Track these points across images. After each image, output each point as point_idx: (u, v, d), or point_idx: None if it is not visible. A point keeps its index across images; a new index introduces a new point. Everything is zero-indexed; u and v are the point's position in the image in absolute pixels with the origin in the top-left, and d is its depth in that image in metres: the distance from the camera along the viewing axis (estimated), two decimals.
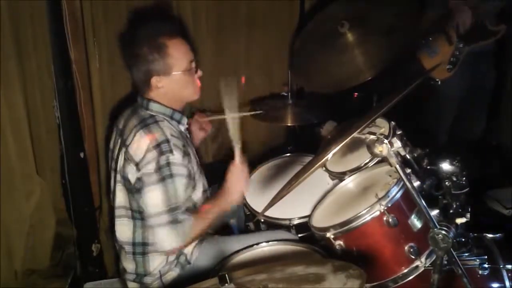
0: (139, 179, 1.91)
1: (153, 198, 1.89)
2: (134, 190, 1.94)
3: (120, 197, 2.03)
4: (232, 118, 1.96)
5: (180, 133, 2.03)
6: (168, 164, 1.89)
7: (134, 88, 2.11)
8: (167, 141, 1.90)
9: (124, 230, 2.05)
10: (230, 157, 1.99)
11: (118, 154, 2.02)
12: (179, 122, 2.07)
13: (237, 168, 1.99)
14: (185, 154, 1.97)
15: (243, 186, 2.01)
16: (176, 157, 1.91)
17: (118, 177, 2.01)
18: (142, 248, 2.03)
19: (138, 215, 2.00)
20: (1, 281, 2.26)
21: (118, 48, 2.37)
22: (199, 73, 2.07)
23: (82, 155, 2.55)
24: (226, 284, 1.40)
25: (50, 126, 2.42)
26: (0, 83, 2.10)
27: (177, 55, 1.98)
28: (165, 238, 1.90)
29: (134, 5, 2.48)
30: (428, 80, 2.89)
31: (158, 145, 1.89)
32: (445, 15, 2.80)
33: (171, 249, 1.93)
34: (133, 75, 2.01)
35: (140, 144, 1.90)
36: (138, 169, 1.90)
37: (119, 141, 2.05)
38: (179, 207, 1.91)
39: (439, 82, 2.88)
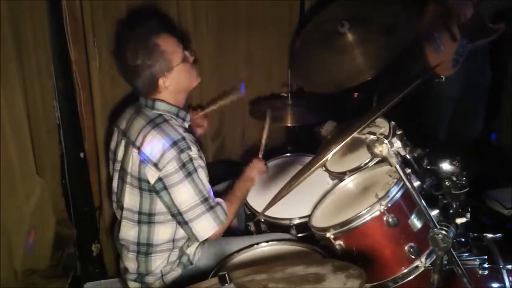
0: (160, 179, 1.92)
1: (184, 194, 1.93)
2: (153, 190, 1.95)
3: (130, 199, 2.03)
4: (267, 129, 2.46)
5: (186, 129, 2.04)
6: (191, 159, 1.94)
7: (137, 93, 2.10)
8: (183, 138, 1.94)
9: (129, 229, 2.06)
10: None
11: (126, 155, 2.02)
12: (183, 119, 2.09)
13: (259, 162, 2.34)
14: (198, 147, 2.01)
15: (262, 172, 2.35)
16: (194, 151, 1.96)
17: (129, 178, 2.01)
18: (146, 248, 2.04)
19: (146, 218, 2.02)
20: (1, 281, 2.26)
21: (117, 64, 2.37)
22: (192, 58, 2.11)
23: (82, 155, 2.55)
24: (226, 284, 1.40)
25: (50, 126, 2.42)
26: (0, 83, 2.10)
27: (171, 48, 2.00)
28: (206, 225, 1.97)
29: (134, 5, 2.48)
30: (433, 77, 2.88)
31: (175, 143, 1.91)
32: (447, 10, 2.80)
33: (214, 233, 1.99)
34: (138, 85, 2.00)
35: (155, 144, 1.92)
36: (158, 169, 1.91)
37: (124, 142, 2.05)
38: (209, 196, 1.98)
39: (443, 79, 2.88)
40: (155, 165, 1.91)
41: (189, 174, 1.93)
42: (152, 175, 1.93)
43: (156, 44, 1.96)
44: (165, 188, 1.93)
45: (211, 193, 2.01)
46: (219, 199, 2.05)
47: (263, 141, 2.43)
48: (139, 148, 1.95)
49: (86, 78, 2.47)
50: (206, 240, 2.11)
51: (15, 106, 2.19)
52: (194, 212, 1.94)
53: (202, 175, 1.98)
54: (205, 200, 1.96)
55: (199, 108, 2.61)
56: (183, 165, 1.91)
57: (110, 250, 2.68)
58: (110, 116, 2.54)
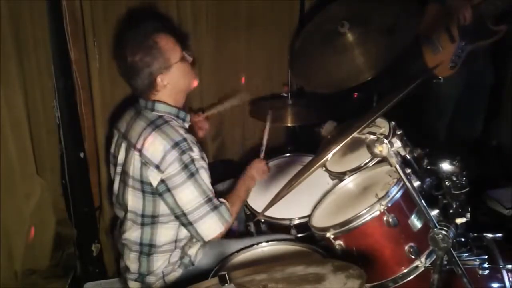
0: (163, 181, 1.92)
1: (188, 195, 1.93)
2: (156, 192, 1.95)
3: (133, 201, 2.02)
4: (268, 130, 2.49)
5: (187, 130, 2.04)
6: (193, 161, 1.94)
7: (136, 93, 2.10)
8: (185, 139, 1.93)
9: (133, 231, 2.06)
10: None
11: (128, 158, 2.01)
12: (184, 120, 2.09)
13: (261, 162, 2.36)
14: (200, 148, 2.01)
15: (264, 173, 2.37)
16: (196, 152, 1.96)
17: (131, 181, 2.00)
18: (148, 249, 2.04)
19: (149, 219, 2.01)
20: (1, 281, 2.26)
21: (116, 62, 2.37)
22: (191, 58, 2.11)
23: (82, 155, 2.55)
24: (226, 284, 1.40)
25: (50, 126, 2.42)
26: (0, 83, 2.10)
27: (169, 46, 2.00)
28: (211, 225, 1.97)
29: (134, 5, 2.48)
30: (431, 78, 2.89)
31: (176, 145, 1.91)
32: (446, 10, 2.80)
33: (219, 233, 2.00)
34: (137, 83, 2.00)
35: (156, 146, 1.91)
36: (161, 171, 1.91)
37: (124, 145, 2.05)
38: (213, 196, 1.99)
39: (442, 80, 2.89)
40: (157, 167, 1.91)
41: (191, 175, 1.93)
42: (154, 178, 1.93)
43: (155, 42, 1.96)
44: (168, 190, 1.93)
45: (213, 194, 2.01)
46: (222, 199, 2.05)
47: (264, 142, 2.45)
48: (140, 151, 1.95)
49: (86, 78, 2.47)
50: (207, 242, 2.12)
51: (15, 106, 2.18)
52: (199, 212, 1.95)
53: (204, 175, 1.99)
54: (209, 200, 1.97)
55: (201, 111, 2.61)
56: (185, 166, 1.92)
57: (110, 250, 2.68)
58: (110, 116, 2.54)
